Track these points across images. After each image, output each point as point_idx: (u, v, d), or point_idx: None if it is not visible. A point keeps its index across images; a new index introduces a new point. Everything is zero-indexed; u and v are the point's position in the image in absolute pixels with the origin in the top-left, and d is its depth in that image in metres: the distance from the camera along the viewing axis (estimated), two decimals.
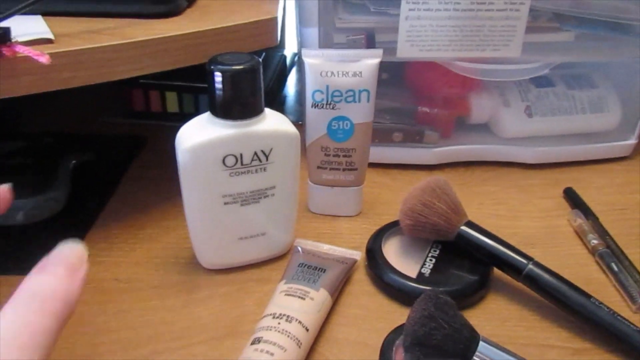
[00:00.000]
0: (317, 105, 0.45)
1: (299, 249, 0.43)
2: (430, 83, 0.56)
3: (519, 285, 0.40)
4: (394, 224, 0.45)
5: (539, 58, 0.53)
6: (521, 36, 0.50)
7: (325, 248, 0.44)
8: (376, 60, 0.44)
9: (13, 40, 0.35)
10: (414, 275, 0.41)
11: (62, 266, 0.24)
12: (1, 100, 0.35)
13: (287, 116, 0.41)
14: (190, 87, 0.63)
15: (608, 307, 0.37)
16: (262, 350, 0.33)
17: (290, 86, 0.76)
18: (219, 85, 0.36)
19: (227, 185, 0.39)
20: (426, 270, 0.41)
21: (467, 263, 0.42)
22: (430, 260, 0.42)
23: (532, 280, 0.39)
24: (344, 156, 0.47)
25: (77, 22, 0.41)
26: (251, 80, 0.36)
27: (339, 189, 0.49)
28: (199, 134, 0.37)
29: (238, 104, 0.37)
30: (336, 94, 0.45)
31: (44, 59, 0.34)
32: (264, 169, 0.39)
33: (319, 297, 0.37)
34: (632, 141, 0.59)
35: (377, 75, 0.45)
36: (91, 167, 0.51)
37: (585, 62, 0.59)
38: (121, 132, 0.63)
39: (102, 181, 0.54)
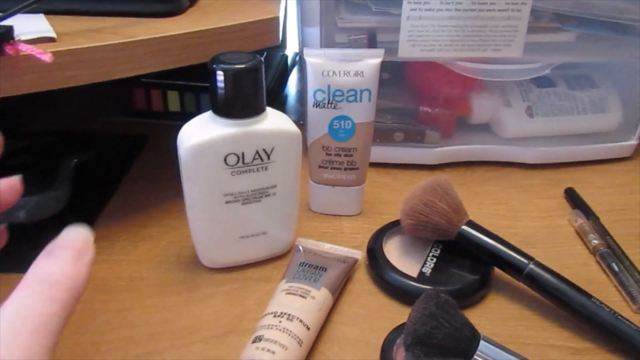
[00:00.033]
0: (319, 104, 0.45)
1: (300, 248, 0.43)
2: (432, 83, 0.56)
3: (520, 285, 0.40)
4: (395, 224, 0.45)
5: (540, 58, 0.53)
6: (522, 36, 0.50)
7: (327, 247, 0.44)
8: (378, 60, 0.44)
9: (16, 39, 0.35)
10: (415, 274, 0.41)
11: (69, 251, 0.24)
12: (3, 99, 0.35)
13: (288, 116, 0.41)
14: (191, 86, 0.63)
15: (609, 307, 0.37)
16: (263, 349, 0.33)
17: (292, 86, 0.76)
18: (220, 84, 0.36)
19: (229, 184, 0.39)
20: (427, 270, 0.41)
21: (468, 263, 0.42)
22: (431, 259, 0.42)
23: (532, 280, 0.39)
24: (345, 155, 0.47)
25: (79, 21, 0.41)
26: (253, 80, 0.36)
27: (340, 188, 0.49)
28: (200, 133, 0.37)
29: (240, 103, 0.37)
30: (338, 93, 0.45)
31: (47, 58, 0.34)
32: (266, 168, 0.39)
33: (320, 296, 0.38)
34: (633, 142, 0.59)
35: (379, 74, 0.45)
36: (92, 166, 0.51)
37: (586, 62, 0.59)
38: (122, 131, 0.63)
39: (104, 180, 0.54)
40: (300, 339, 0.34)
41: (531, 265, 0.39)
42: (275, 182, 0.40)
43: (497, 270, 0.42)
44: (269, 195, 0.40)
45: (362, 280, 0.43)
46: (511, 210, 0.51)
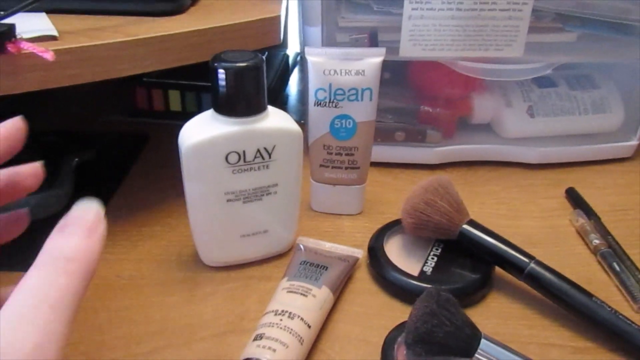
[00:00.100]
0: (320, 103, 0.45)
1: (301, 246, 0.43)
2: (433, 83, 0.56)
3: (521, 284, 0.40)
4: (396, 223, 0.45)
5: (542, 58, 0.53)
6: (524, 36, 0.50)
7: (328, 246, 0.44)
8: (379, 59, 0.44)
9: (18, 37, 0.35)
10: (415, 273, 0.41)
11: (81, 226, 0.24)
12: (4, 98, 0.35)
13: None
14: (193, 85, 0.63)
15: (610, 306, 0.37)
16: (264, 347, 0.33)
17: (293, 85, 0.76)
18: (222, 83, 0.36)
19: (230, 183, 0.39)
20: (428, 269, 0.41)
21: (469, 262, 0.42)
22: (432, 258, 0.42)
23: (533, 279, 0.39)
24: (347, 155, 0.47)
25: (82, 20, 0.41)
26: (254, 78, 0.37)
27: (341, 187, 0.49)
28: (202, 131, 0.37)
29: (241, 101, 0.37)
30: (339, 92, 0.45)
31: (48, 56, 0.34)
32: (267, 167, 0.39)
33: (321, 294, 0.38)
34: (634, 142, 0.59)
35: (380, 73, 0.45)
36: (93, 165, 0.51)
37: (587, 62, 0.59)
38: (124, 131, 0.63)
39: (105, 179, 0.54)
40: (301, 337, 0.34)
41: (532, 265, 0.39)
42: (277, 180, 0.40)
43: (498, 270, 0.42)
44: (270, 193, 0.40)
45: (363, 279, 0.43)
46: (512, 210, 0.51)
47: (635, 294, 0.40)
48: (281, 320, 0.35)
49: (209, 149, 0.37)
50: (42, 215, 0.44)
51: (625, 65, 0.59)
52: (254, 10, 0.45)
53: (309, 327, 0.35)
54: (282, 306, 0.36)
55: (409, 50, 0.50)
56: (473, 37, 0.50)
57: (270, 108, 0.39)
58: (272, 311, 0.36)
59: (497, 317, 0.39)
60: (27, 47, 0.34)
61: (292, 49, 0.81)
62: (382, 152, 0.55)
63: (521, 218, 0.50)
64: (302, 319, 0.35)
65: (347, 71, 0.44)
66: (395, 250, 0.44)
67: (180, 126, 0.39)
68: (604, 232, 0.47)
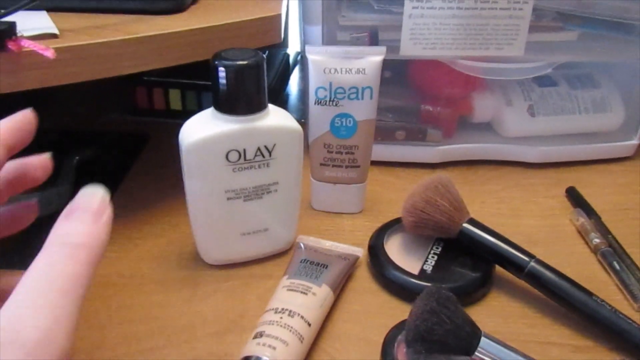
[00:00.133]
0: (320, 102, 0.45)
1: (302, 245, 0.43)
2: (433, 82, 0.56)
3: (521, 282, 0.40)
4: (397, 221, 0.45)
5: (542, 57, 0.53)
6: (524, 35, 0.50)
7: (328, 244, 0.44)
8: (379, 57, 0.44)
9: (18, 35, 0.35)
10: (416, 272, 0.41)
11: (87, 212, 0.25)
12: (5, 97, 0.35)
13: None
14: (193, 84, 0.63)
15: (610, 305, 0.37)
16: (264, 344, 0.33)
17: (293, 85, 0.76)
18: (222, 81, 0.36)
19: (230, 181, 0.39)
20: (428, 267, 0.41)
21: (469, 260, 0.42)
22: (433, 257, 0.42)
23: (534, 278, 0.39)
24: (347, 153, 0.47)
25: (82, 18, 0.41)
26: (255, 76, 0.37)
27: (341, 186, 0.49)
28: (202, 129, 0.37)
29: (242, 100, 0.37)
30: (339, 91, 0.45)
31: (49, 54, 0.34)
32: (267, 165, 0.39)
33: (321, 292, 0.38)
34: (635, 141, 0.59)
35: (381, 72, 0.45)
36: (94, 164, 0.51)
37: (588, 62, 0.59)
38: (124, 130, 0.63)
39: (105, 178, 0.54)
40: (301, 335, 0.34)
41: (532, 263, 0.39)
42: (277, 178, 0.40)
43: (499, 268, 0.42)
44: (270, 192, 0.41)
45: (364, 277, 0.43)
46: (513, 209, 0.51)
47: (635, 292, 0.40)
48: (281, 318, 0.35)
49: (210, 147, 0.37)
50: (42, 213, 0.44)
51: (625, 64, 0.59)
52: (254, 9, 0.45)
53: (309, 325, 0.35)
54: (283, 304, 0.36)
55: (409, 49, 0.50)
56: (474, 36, 0.50)
57: (270, 106, 0.39)
58: (272, 309, 0.36)
59: (497, 315, 0.39)
60: (28, 45, 0.34)
61: (293, 49, 0.81)
62: (383, 151, 0.55)
63: (521, 217, 0.50)
64: (302, 317, 0.35)
65: (347, 70, 0.44)
66: (395, 249, 0.44)
67: (181, 125, 0.39)
68: (604, 231, 0.47)
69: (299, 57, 0.81)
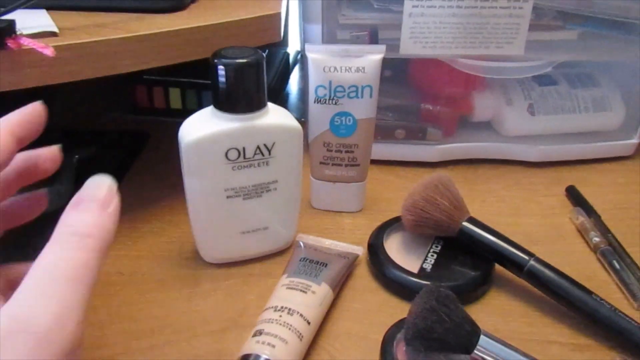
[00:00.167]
0: (320, 100, 0.45)
1: (301, 243, 0.43)
2: (433, 80, 0.56)
3: (521, 281, 0.40)
4: (396, 220, 0.45)
5: (542, 56, 0.53)
6: (524, 34, 0.50)
7: (327, 243, 0.44)
8: (379, 56, 0.44)
9: (18, 33, 0.35)
10: (415, 270, 0.41)
11: (94, 201, 0.25)
12: (4, 97, 0.35)
13: None
14: (193, 83, 0.63)
15: (609, 304, 0.37)
16: (263, 343, 0.33)
17: (293, 84, 0.76)
18: (222, 79, 0.36)
19: (230, 179, 0.39)
20: (428, 266, 0.41)
21: (469, 259, 0.42)
22: (432, 255, 0.42)
23: (533, 276, 0.39)
24: (347, 152, 0.47)
25: (82, 17, 0.41)
26: (254, 74, 0.36)
27: (341, 184, 0.49)
28: (202, 128, 0.37)
29: (241, 98, 0.37)
30: (339, 89, 0.45)
31: (49, 52, 0.34)
32: (267, 163, 0.39)
33: (321, 291, 0.38)
34: (635, 141, 0.59)
35: (380, 71, 0.45)
36: (94, 162, 0.51)
37: (588, 61, 0.59)
38: (124, 129, 0.63)
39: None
40: (300, 334, 0.34)
41: (532, 262, 0.39)
42: (277, 177, 0.40)
43: (498, 267, 0.42)
44: (270, 190, 0.41)
45: (363, 276, 0.43)
46: (513, 208, 0.51)
47: (635, 291, 0.40)
48: (280, 316, 0.35)
49: (209, 145, 0.37)
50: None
51: (626, 63, 0.58)
52: (254, 7, 0.45)
53: (309, 323, 0.35)
54: (282, 302, 0.36)
55: (409, 47, 0.50)
56: (474, 34, 0.50)
57: (270, 105, 0.39)
58: (272, 307, 0.36)
59: (497, 314, 0.39)
60: (28, 43, 0.34)
61: (293, 47, 0.81)
62: (383, 150, 0.55)
63: (521, 216, 0.50)
64: (301, 315, 0.35)
65: (347, 68, 0.44)
66: (395, 248, 0.44)
67: (181, 124, 0.39)
68: (604, 230, 0.47)
69: (298, 56, 0.81)
